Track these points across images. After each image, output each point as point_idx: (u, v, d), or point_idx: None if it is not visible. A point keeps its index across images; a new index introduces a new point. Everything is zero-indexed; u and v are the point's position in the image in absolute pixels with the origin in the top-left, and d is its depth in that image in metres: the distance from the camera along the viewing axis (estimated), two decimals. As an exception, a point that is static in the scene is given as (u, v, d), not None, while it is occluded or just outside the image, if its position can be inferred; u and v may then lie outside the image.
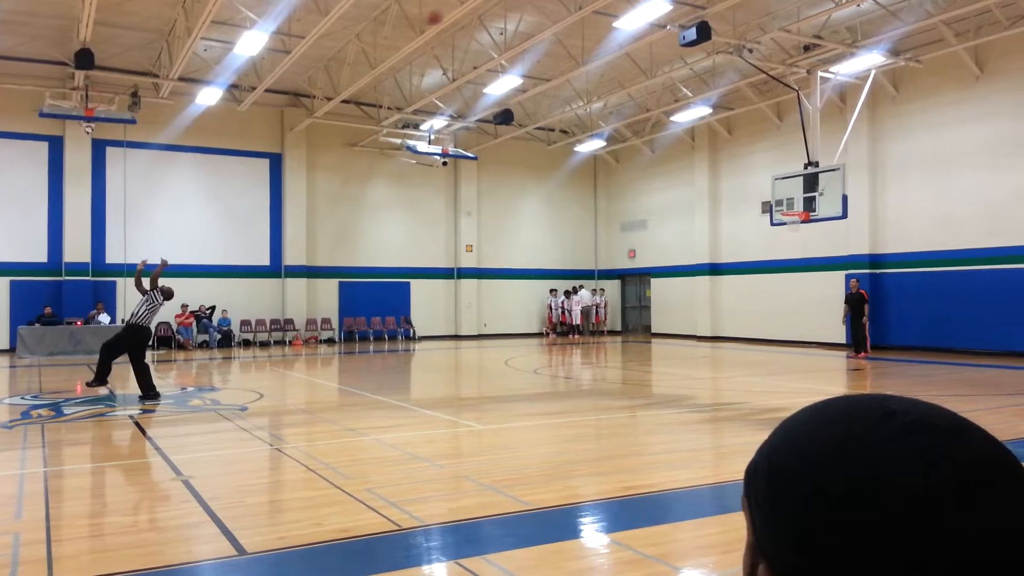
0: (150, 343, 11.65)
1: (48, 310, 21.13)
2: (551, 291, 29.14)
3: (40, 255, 22.19)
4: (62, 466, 7.29)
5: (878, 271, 20.74)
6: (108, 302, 22.22)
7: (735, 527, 4.89)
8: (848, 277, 21.32)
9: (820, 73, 18.04)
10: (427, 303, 27.63)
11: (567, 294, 28.99)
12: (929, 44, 18.55)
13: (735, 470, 6.70)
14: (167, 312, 22.50)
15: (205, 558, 4.62)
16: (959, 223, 18.86)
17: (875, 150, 20.86)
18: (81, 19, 16.21)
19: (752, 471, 0.67)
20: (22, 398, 11.89)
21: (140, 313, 11.25)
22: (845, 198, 16.63)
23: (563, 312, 28.71)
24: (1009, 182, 17.89)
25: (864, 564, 0.55)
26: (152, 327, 11.47)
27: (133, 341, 11.19)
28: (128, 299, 21.00)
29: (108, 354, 11.17)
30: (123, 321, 12.23)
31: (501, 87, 20.49)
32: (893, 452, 0.58)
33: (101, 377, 11.15)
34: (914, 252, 19.91)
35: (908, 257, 20.06)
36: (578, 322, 28.44)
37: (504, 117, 22.71)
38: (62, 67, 19.89)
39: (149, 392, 11.13)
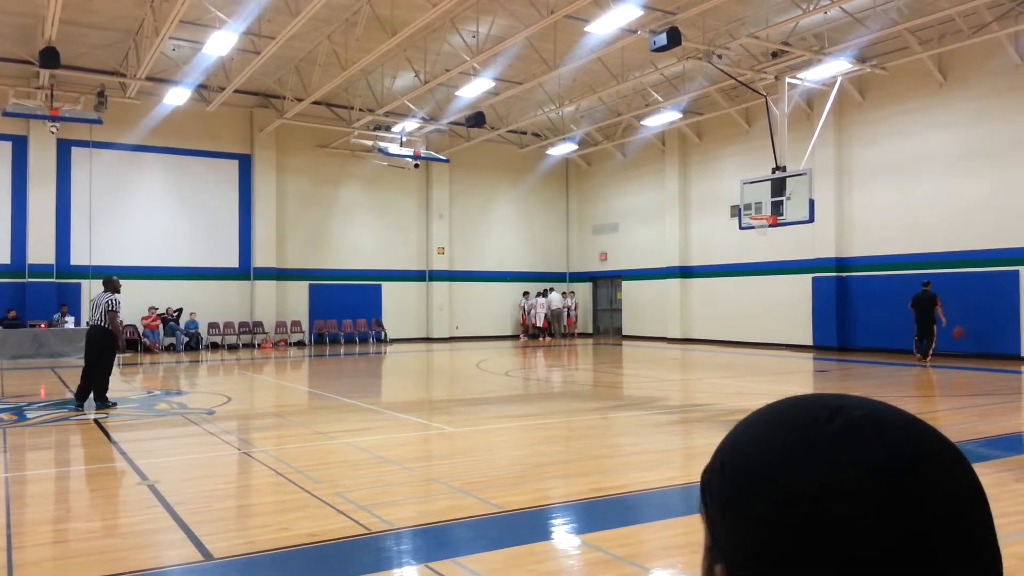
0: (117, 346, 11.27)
1: (12, 313, 20.73)
2: (524, 294, 29.16)
3: (3, 256, 21.77)
4: (24, 471, 7.15)
5: (844, 274, 21.05)
6: (73, 304, 21.84)
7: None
8: (814, 280, 21.60)
9: (788, 79, 18.27)
10: (399, 306, 27.52)
11: (538, 295, 28.99)
12: (894, 51, 18.89)
13: (704, 471, 6.75)
14: (133, 314, 22.20)
15: (171, 564, 4.56)
16: (924, 227, 19.20)
17: (841, 155, 21.18)
18: (46, 17, 15.94)
19: (708, 475, 0.68)
20: (-17, 402, 11.64)
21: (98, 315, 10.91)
22: (812, 202, 16.84)
23: (544, 317, 28.57)
24: (972, 187, 18.25)
25: (813, 561, 0.56)
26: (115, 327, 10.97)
27: (92, 344, 10.86)
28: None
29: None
30: (87, 323, 11.76)
31: (473, 90, 20.50)
32: (837, 449, 0.59)
33: (82, 394, 10.84)
34: (879, 256, 20.23)
35: (873, 261, 20.39)
36: (540, 324, 28.36)
37: (476, 120, 22.71)
38: (27, 66, 19.53)
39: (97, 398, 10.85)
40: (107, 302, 10.72)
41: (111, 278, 11.17)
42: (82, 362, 11.12)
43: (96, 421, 9.79)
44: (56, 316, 21.09)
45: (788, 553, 0.58)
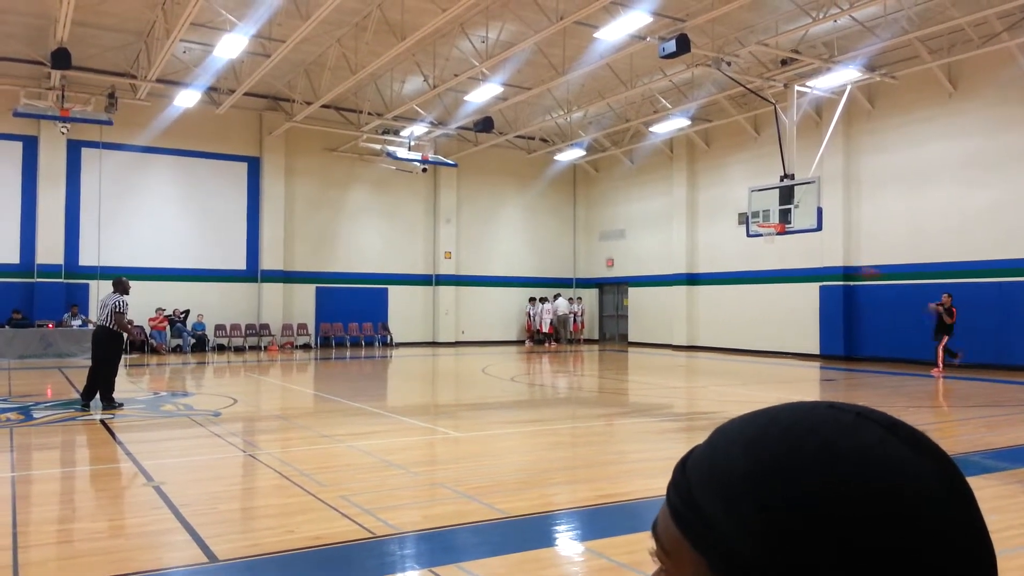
0: (123, 347, 11.33)
1: (18, 315, 20.76)
2: (530, 299, 29.13)
3: (12, 256, 21.87)
4: (30, 471, 7.18)
5: (851, 283, 20.98)
6: (81, 305, 21.92)
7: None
8: (821, 288, 21.54)
9: (797, 87, 18.26)
10: (405, 310, 27.54)
11: (542, 301, 28.94)
12: (904, 60, 18.84)
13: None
14: (141, 315, 22.26)
15: (176, 565, 4.57)
16: (932, 237, 19.13)
17: (850, 164, 21.13)
18: (58, 18, 16.04)
19: (721, 468, 0.61)
20: (-10, 401, 11.69)
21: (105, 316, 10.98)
22: (820, 211, 16.82)
23: (550, 323, 28.51)
24: (981, 197, 18.18)
25: (863, 561, 0.53)
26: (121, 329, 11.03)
27: (99, 344, 10.92)
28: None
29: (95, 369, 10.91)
30: (92, 324, 11.82)
31: (482, 95, 20.53)
32: (883, 452, 0.57)
33: (89, 394, 10.89)
34: (887, 265, 20.16)
35: (882, 270, 20.31)
36: (546, 330, 28.31)
37: (485, 125, 22.74)
38: (38, 66, 19.64)
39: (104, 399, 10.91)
40: (115, 303, 10.76)
41: (121, 279, 11.22)
42: (89, 362, 11.17)
43: (102, 421, 9.81)
44: (66, 316, 21.17)
45: (832, 555, 0.54)
